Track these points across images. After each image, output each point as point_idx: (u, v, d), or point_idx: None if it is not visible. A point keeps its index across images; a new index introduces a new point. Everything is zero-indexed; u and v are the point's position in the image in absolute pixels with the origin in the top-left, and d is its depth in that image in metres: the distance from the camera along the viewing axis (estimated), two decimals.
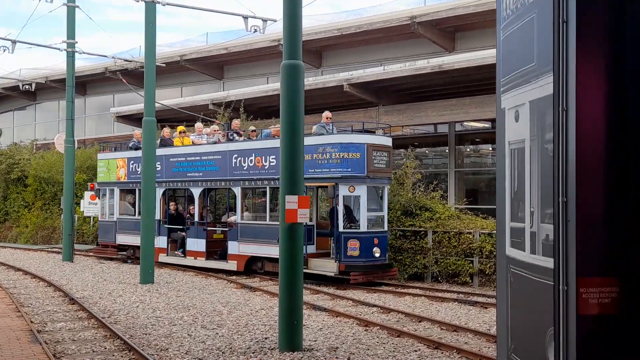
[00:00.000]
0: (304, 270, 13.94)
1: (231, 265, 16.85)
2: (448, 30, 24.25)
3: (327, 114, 16.18)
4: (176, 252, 18.64)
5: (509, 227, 5.08)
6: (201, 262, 17.61)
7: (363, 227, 14.72)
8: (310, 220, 15.22)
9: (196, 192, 18.08)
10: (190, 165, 18.26)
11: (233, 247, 16.87)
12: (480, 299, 12.78)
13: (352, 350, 8.63)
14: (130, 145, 20.87)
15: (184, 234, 18.59)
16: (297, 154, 8.52)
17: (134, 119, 29.75)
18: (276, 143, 14.86)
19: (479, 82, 19.67)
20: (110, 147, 24.33)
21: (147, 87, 15.54)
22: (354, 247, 14.61)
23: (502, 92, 5.20)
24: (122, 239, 20.54)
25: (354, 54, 27.74)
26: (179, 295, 13.55)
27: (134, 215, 20.08)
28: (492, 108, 16.69)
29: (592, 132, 4.01)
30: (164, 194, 18.98)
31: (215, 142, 18.25)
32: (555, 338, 4.13)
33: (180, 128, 19.72)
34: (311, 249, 15.45)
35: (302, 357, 8.14)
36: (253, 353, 8.42)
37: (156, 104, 16.44)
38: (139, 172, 18.75)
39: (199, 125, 19.62)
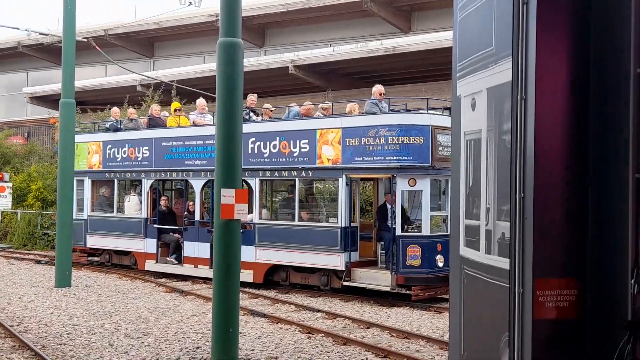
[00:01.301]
0: (346, 283, 13.45)
1: (245, 275, 14.23)
2: (404, 9, 24.51)
3: (379, 88, 14.14)
4: (168, 259, 16.58)
5: (463, 225, 5.17)
6: (204, 271, 15.31)
7: (425, 230, 13.07)
8: (353, 221, 13.79)
9: (198, 184, 15.93)
10: (190, 151, 16.10)
11: (248, 254, 14.52)
12: (434, 303, 12.99)
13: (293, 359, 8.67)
14: (107, 125, 18.68)
15: (178, 236, 16.60)
16: (235, 142, 8.49)
17: (50, 101, 29.09)
18: (309, 124, 14.19)
19: (436, 67, 19.99)
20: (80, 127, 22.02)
21: (65, 64, 15.17)
22: (414, 255, 12.97)
23: (458, 78, 5.28)
24: (96, 241, 18.28)
25: (300, 33, 27.76)
26: (100, 300, 13.33)
27: (113, 212, 18.10)
28: (450, 95, 16.91)
29: (552, 124, 4.11)
30: (152, 186, 17.05)
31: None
32: (510, 344, 4.23)
33: (176, 104, 18.06)
34: (354, 256, 13.69)
35: None
36: None
37: (76, 84, 16.06)
38: (118, 159, 17.59)
39: (201, 101, 17.15)
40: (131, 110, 19.13)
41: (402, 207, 13.53)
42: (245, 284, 14.42)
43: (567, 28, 4.13)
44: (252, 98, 15.96)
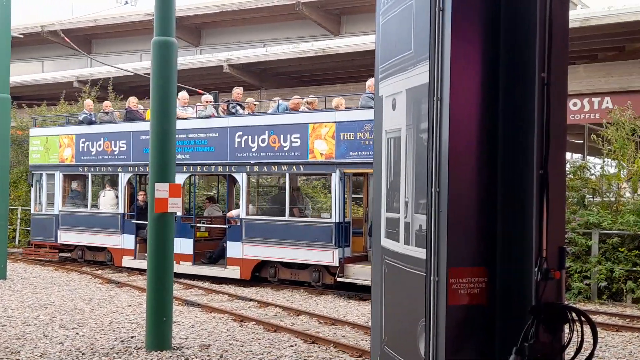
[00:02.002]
0: (340, 279, 12.70)
1: (231, 272, 14.05)
2: (334, 13, 24.62)
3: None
4: (147, 255, 16.14)
5: (384, 217, 5.25)
6: (187, 267, 14.58)
7: None
8: (346, 217, 13.12)
9: (179, 179, 14.90)
10: None
11: (235, 250, 14.01)
12: (360, 292, 13.12)
13: (225, 347, 8.62)
14: (81, 118, 17.41)
15: None
16: (169, 137, 8.38)
17: None
18: (301, 118, 13.44)
19: (364, 68, 20.14)
20: (50, 120, 20.91)
21: (0, 60, 14.62)
22: None
23: (380, 80, 5.35)
24: (68, 237, 17.09)
25: (235, 34, 27.54)
26: (35, 292, 12.93)
27: (87, 207, 17.07)
28: None
29: (465, 123, 4.21)
30: (129, 181, 16.05)
31: (208, 116, 14.86)
32: (426, 329, 4.32)
33: None
34: (347, 252, 13.07)
35: (170, 356, 8.03)
36: (117, 354, 8.20)
37: (12, 80, 15.49)
38: (93, 153, 16.44)
39: (183, 94, 15.92)
40: (107, 102, 17.83)
41: None
42: (232, 281, 14.08)
43: (480, 36, 4.23)
44: (237, 91, 15.20)
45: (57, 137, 17.47)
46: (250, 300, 12.30)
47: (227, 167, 14.33)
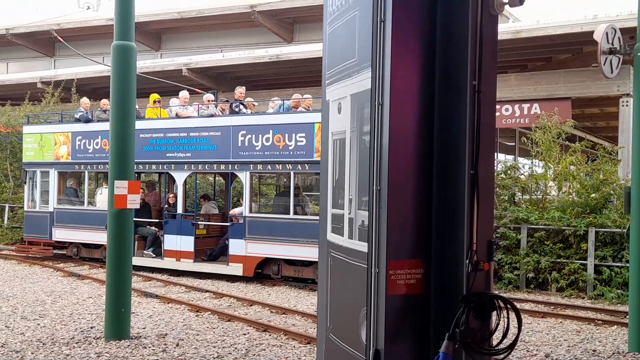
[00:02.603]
0: None
1: (234, 269, 13.39)
2: (287, 21, 24.60)
3: None
4: (145, 252, 14.85)
5: (330, 213, 5.26)
6: (188, 264, 14.01)
7: None
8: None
9: (180, 177, 14.23)
10: (172, 143, 14.34)
11: (237, 247, 13.40)
12: (310, 283, 13.14)
13: (181, 336, 8.52)
14: (77, 116, 16.42)
15: (155, 229, 15.00)
16: (128, 137, 8.22)
17: None
18: (307, 117, 12.78)
19: (315, 74, 20.16)
20: (43, 118, 19.56)
21: None
22: None
23: (327, 85, 5.35)
24: (63, 234, 16.13)
25: (194, 39, 27.27)
26: None
27: (84, 205, 16.02)
28: None
29: (403, 127, 4.25)
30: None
31: (210, 115, 14.16)
32: (368, 317, 4.35)
33: (155, 96, 15.78)
34: None
35: (128, 345, 7.89)
36: (77, 343, 8.02)
37: None
38: (90, 151, 15.43)
39: (184, 93, 15.29)
40: (104, 101, 16.54)
41: None
42: (235, 278, 13.44)
43: (417, 46, 4.28)
44: (240, 90, 14.46)
45: (52, 134, 16.47)
46: (206, 291, 12.20)
47: (230, 165, 13.72)
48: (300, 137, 12.68)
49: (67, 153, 16.13)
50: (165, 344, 8.03)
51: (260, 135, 13.17)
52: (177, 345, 8.04)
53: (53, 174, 16.30)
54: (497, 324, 4.11)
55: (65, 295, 11.49)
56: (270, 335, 8.72)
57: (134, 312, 9.51)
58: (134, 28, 8.26)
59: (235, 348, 7.94)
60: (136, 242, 14.51)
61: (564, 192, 14.49)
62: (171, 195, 14.85)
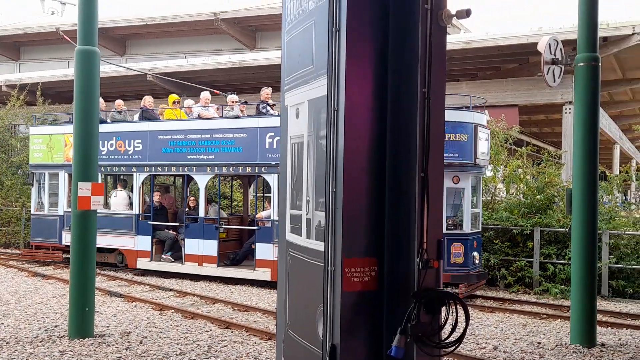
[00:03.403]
0: None
1: (262, 274, 12.63)
2: (250, 29, 24.54)
3: None
4: (163, 257, 14.06)
5: (289, 214, 5.27)
6: (211, 269, 13.24)
7: (467, 227, 11.45)
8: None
9: (202, 179, 13.41)
10: (193, 145, 13.52)
11: (265, 251, 12.61)
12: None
13: (144, 334, 8.41)
14: None
15: (174, 232, 14.22)
16: (91, 140, 8.10)
17: None
18: None
19: (276, 80, 20.15)
20: (48, 119, 18.14)
21: None
22: (458, 253, 11.30)
23: (285, 91, 5.36)
24: None
25: (159, 45, 26.98)
26: None
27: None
28: None
29: (357, 131, 4.28)
30: (144, 181, 14.24)
31: (236, 116, 13.34)
32: (324, 313, 4.37)
33: (174, 97, 14.96)
34: None
35: (92, 344, 7.76)
36: (41, 342, 7.85)
37: None
38: (103, 153, 14.38)
39: (205, 94, 14.41)
40: (119, 101, 15.97)
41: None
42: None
43: (371, 54, 4.31)
44: (266, 92, 13.74)
45: (62, 135, 15.33)
46: (170, 290, 12.07)
47: (257, 168, 12.88)
48: None
49: None
50: (128, 342, 7.92)
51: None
52: (141, 342, 7.93)
53: (63, 176, 15.18)
54: (446, 319, 4.17)
55: (30, 295, 11.23)
56: (232, 332, 8.67)
57: (98, 311, 9.36)
58: (97, 33, 8.14)
59: (198, 345, 7.87)
60: (154, 247, 14.03)
61: (512, 193, 14.79)
62: (191, 198, 14.18)
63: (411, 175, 4.17)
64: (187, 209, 13.91)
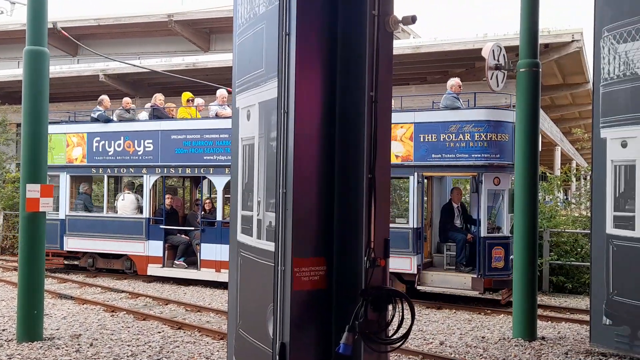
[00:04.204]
0: (421, 288, 10.73)
1: None
2: (204, 31, 24.30)
3: (457, 80, 11.41)
4: (176, 262, 13.07)
5: (240, 215, 5.24)
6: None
7: (507, 230, 10.72)
8: (421, 222, 11.05)
9: (220, 181, 12.52)
10: (210, 145, 12.65)
11: None
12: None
13: (95, 336, 8.23)
14: (95, 116, 14.10)
15: (186, 237, 13.25)
16: (40, 141, 7.88)
17: None
18: None
19: (230, 82, 20.02)
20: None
21: None
22: (499, 257, 10.63)
23: (237, 93, 5.33)
24: (77, 243, 13.91)
25: (112, 46, 26.41)
26: None
27: (103, 212, 13.98)
28: None
29: (307, 134, 4.30)
30: (155, 183, 13.28)
31: None
32: (274, 312, 4.37)
33: (188, 95, 13.91)
34: (419, 259, 10.92)
35: (41, 347, 7.54)
36: None
37: None
38: (110, 153, 13.52)
39: (222, 92, 13.44)
40: (127, 99, 14.78)
41: (463, 206, 11.71)
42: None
43: (320, 58, 4.33)
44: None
45: (64, 135, 14.22)
46: (122, 292, 11.84)
47: None
48: None
49: (82, 155, 13.98)
50: (79, 344, 7.73)
51: None
52: (91, 345, 7.76)
53: (65, 178, 14.11)
54: (393, 316, 4.23)
55: None
56: (184, 332, 8.57)
57: (47, 314, 9.11)
58: (46, 33, 7.93)
59: (150, 346, 7.75)
60: (166, 252, 13.13)
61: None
62: (207, 201, 13.35)
63: (359, 176, 4.21)
64: (202, 212, 13.04)
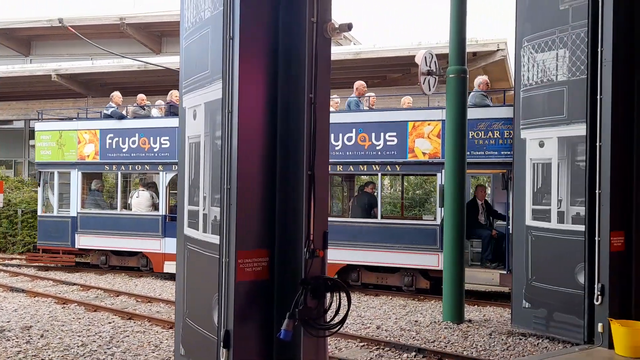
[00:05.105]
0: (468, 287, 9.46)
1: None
2: (155, 34, 23.78)
3: (484, 78, 11.06)
4: None
5: (186, 210, 5.16)
6: None
7: None
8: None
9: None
10: None
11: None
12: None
13: (46, 327, 7.95)
14: (108, 112, 13.27)
15: None
16: None
17: None
18: (399, 115, 10.75)
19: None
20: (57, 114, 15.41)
21: None
22: None
23: (184, 94, 5.24)
24: (89, 241, 13.18)
25: (64, 47, 25.52)
26: None
27: (117, 209, 13.13)
28: None
29: (250, 132, 4.26)
30: (172, 180, 12.47)
31: None
32: (219, 301, 4.32)
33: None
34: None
35: None
36: None
37: None
38: (124, 150, 12.81)
39: None
40: (141, 96, 13.96)
41: (487, 202, 11.13)
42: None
43: (262, 61, 4.30)
44: None
45: (75, 132, 13.46)
46: (74, 284, 11.48)
47: None
48: (390, 136, 10.57)
49: (95, 152, 13.23)
50: (29, 336, 7.45)
51: (340, 134, 10.95)
52: (42, 336, 7.49)
53: (76, 175, 13.33)
54: (331, 303, 4.25)
55: None
56: (135, 322, 8.38)
57: None
58: None
59: (100, 336, 7.54)
60: None
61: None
62: None
63: (299, 173, 4.21)
64: None
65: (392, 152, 10.57)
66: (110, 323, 8.28)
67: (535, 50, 7.83)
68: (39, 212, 14.01)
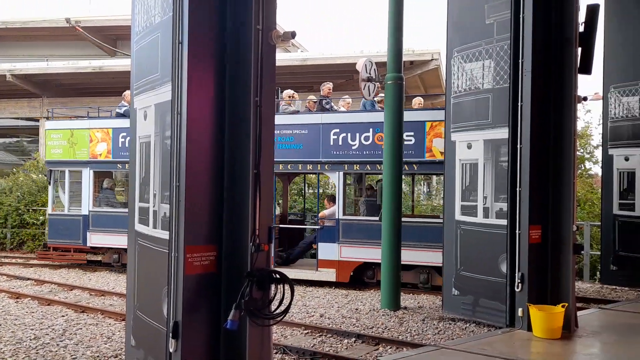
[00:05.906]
0: None
1: (326, 274, 10.59)
2: (111, 37, 23.07)
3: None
4: None
5: (137, 207, 5.02)
6: None
7: None
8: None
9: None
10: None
11: (329, 251, 10.58)
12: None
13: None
14: (122, 111, 12.54)
15: None
16: None
17: None
18: (416, 115, 10.24)
19: None
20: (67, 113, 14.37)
21: None
22: None
23: (134, 95, 5.09)
24: (101, 239, 12.39)
25: (20, 48, 24.44)
26: None
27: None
28: None
29: (199, 132, 4.18)
30: None
31: (295, 112, 11.20)
32: (168, 294, 4.22)
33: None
34: None
35: None
36: None
37: None
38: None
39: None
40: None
41: None
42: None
43: (210, 65, 4.23)
44: (328, 87, 11.59)
45: (87, 130, 12.73)
46: (28, 279, 11.00)
47: (319, 165, 10.72)
48: (408, 135, 10.02)
49: (107, 151, 12.51)
50: None
51: (357, 134, 10.50)
52: None
53: (88, 174, 12.59)
54: (275, 294, 4.22)
55: None
56: (88, 315, 8.11)
57: None
58: None
59: (53, 329, 7.25)
60: None
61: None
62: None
63: (245, 171, 4.16)
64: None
65: (410, 152, 10.18)
66: (63, 316, 7.98)
67: (464, 60, 8.02)
68: (49, 211, 13.30)
